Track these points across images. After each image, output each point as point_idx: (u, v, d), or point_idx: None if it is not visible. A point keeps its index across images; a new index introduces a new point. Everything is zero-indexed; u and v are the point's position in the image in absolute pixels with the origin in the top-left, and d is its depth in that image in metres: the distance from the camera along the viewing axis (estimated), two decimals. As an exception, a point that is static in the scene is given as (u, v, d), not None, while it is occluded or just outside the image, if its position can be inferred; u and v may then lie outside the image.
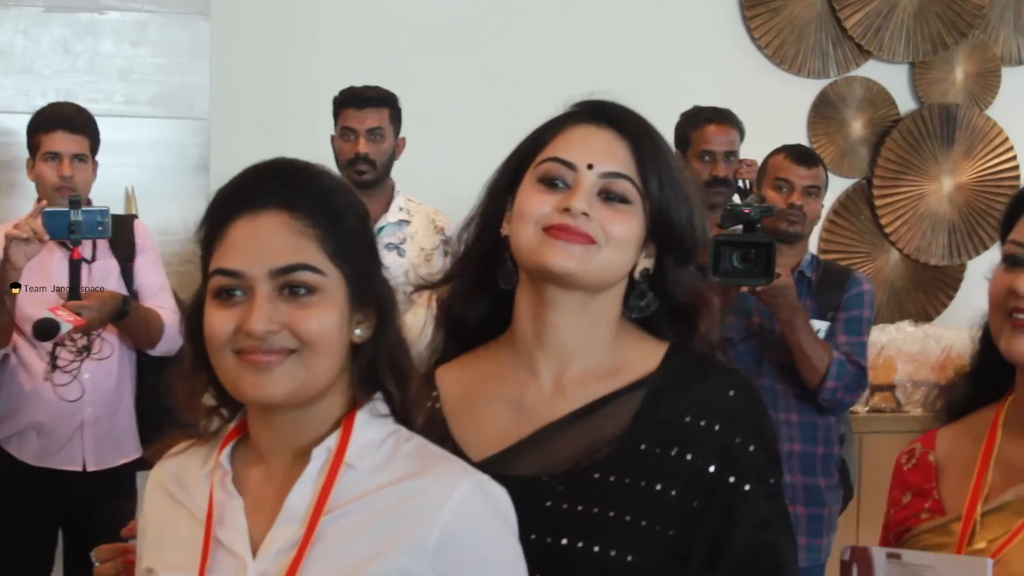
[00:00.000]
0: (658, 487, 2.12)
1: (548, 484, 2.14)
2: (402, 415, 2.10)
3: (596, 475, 2.14)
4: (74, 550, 5.05)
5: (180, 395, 2.11)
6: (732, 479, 2.14)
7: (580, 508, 2.11)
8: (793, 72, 7.57)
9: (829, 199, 7.62)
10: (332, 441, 2.03)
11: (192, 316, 2.06)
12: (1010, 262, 2.37)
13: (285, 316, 1.96)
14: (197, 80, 6.01)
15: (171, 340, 4.97)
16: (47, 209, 4.66)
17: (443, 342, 2.38)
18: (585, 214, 2.14)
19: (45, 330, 4.56)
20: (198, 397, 2.11)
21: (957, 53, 7.81)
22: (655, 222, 2.21)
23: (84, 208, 4.71)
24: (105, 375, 4.93)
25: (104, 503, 4.86)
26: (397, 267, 5.26)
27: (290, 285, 1.97)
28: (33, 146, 5.03)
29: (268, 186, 2.02)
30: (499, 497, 2.03)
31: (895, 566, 2.35)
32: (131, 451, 5.03)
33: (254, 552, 2.01)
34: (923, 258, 7.77)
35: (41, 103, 5.28)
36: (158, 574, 2.06)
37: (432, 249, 5.62)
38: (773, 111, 7.26)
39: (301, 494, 2.01)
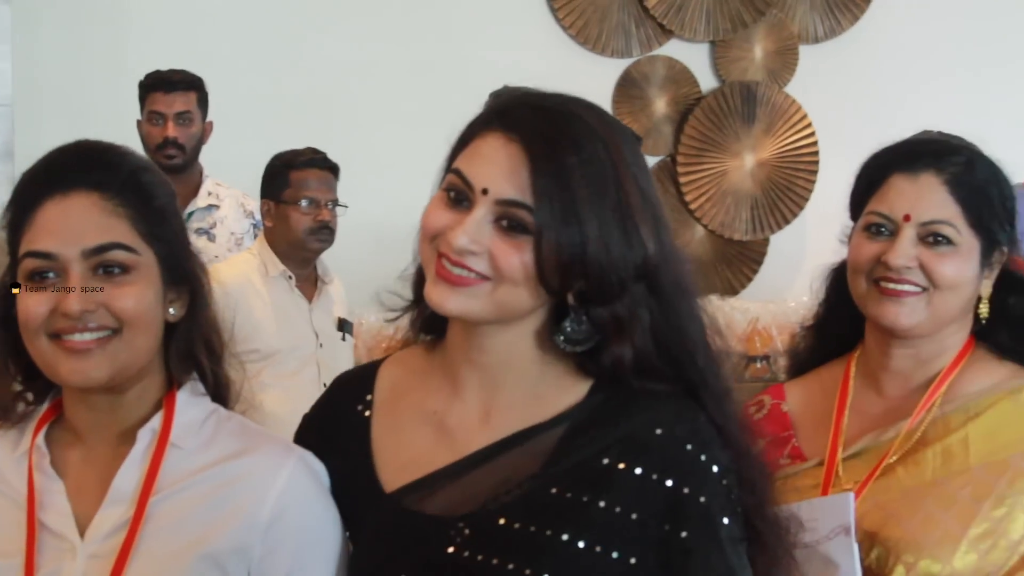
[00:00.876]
0: (564, 537, 1.94)
1: (453, 526, 1.99)
2: (216, 393, 2.13)
3: (501, 520, 1.97)
4: None
5: None
6: (667, 527, 1.95)
7: (480, 557, 1.95)
8: (597, 52, 7.65)
9: (635, 177, 7.74)
10: (156, 422, 2.04)
11: (2, 301, 2.04)
12: (874, 231, 2.52)
13: (101, 295, 1.96)
14: (-1, 65, 5.91)
15: None
16: None
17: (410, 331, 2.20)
18: (470, 251, 1.94)
19: None
20: (6, 382, 2.10)
21: (756, 31, 7.95)
22: (548, 254, 1.94)
23: None
24: None
25: None
26: (208, 252, 5.24)
27: (104, 265, 1.97)
28: None
29: (76, 167, 2.01)
30: (319, 469, 2.07)
31: None
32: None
33: (81, 535, 2.00)
34: (727, 233, 7.91)
35: None
36: None
37: (243, 233, 5.62)
38: (578, 91, 7.26)
39: (127, 475, 2.01)
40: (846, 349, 2.68)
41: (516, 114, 2.00)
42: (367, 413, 2.15)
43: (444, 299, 1.96)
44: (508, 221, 1.95)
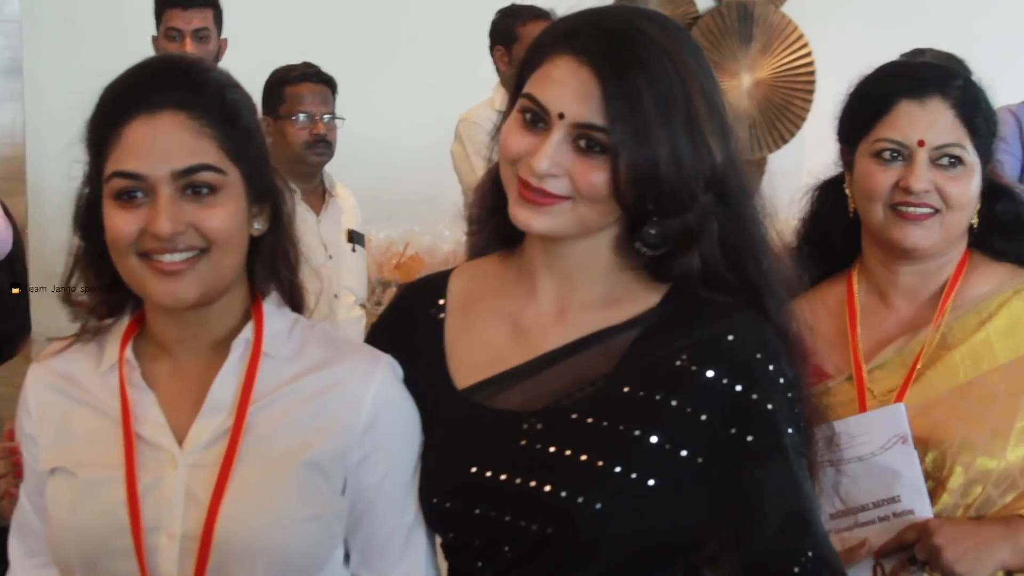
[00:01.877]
0: (636, 432, 2.00)
1: (526, 421, 2.05)
2: (293, 303, 2.17)
3: (573, 415, 2.03)
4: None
5: (65, 289, 2.12)
6: (733, 431, 2.01)
7: (552, 449, 2.01)
8: (593, -28, 7.66)
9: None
10: (248, 332, 2.07)
11: (86, 214, 2.06)
12: (888, 157, 2.59)
13: (190, 216, 1.97)
14: (6, -18, 5.94)
15: (1, 243, 5.01)
16: None
17: (474, 246, 2.31)
18: (551, 174, 2.00)
19: None
20: (94, 293, 2.12)
21: (754, -49, 7.97)
22: (624, 173, 1.99)
23: None
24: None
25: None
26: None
27: (192, 185, 1.98)
28: None
29: (163, 85, 2.01)
30: (400, 373, 2.13)
31: None
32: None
33: (179, 445, 2.03)
34: (724, 152, 7.93)
35: None
36: (74, 473, 2.05)
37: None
38: (570, 9, 7.29)
39: (224, 385, 2.05)
40: (842, 266, 2.76)
41: (584, 37, 2.02)
42: (440, 316, 2.22)
43: (530, 219, 2.03)
44: (586, 141, 2.00)
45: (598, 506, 1.97)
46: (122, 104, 2.01)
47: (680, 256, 2.06)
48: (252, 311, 2.11)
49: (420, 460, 2.12)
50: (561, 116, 2.00)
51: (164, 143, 1.98)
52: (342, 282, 5.29)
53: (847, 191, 2.69)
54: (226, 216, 2.01)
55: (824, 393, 2.47)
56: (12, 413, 2.22)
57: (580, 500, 1.97)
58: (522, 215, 2.04)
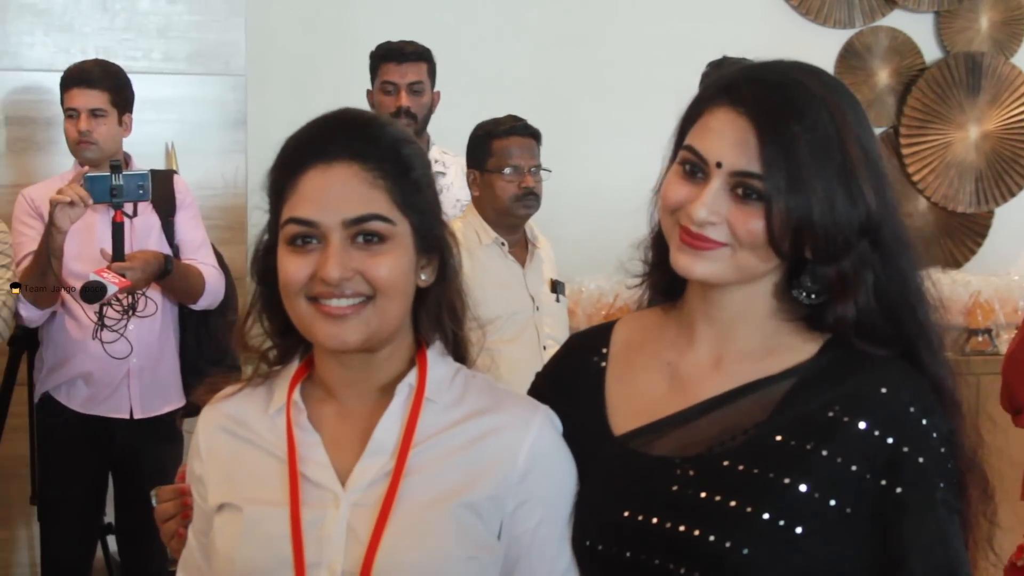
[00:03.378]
0: (786, 481, 2.02)
1: (679, 467, 2.10)
2: (457, 354, 2.23)
3: (725, 462, 2.07)
4: (124, 493, 5.21)
5: (240, 334, 2.22)
6: (883, 482, 2.02)
7: (703, 495, 2.06)
8: (819, 22, 7.62)
9: (856, 148, 7.70)
10: (412, 377, 2.13)
11: (263, 260, 2.15)
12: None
13: (358, 263, 2.05)
14: (233, 37, 6.10)
15: (212, 295, 5.15)
16: (89, 174, 4.78)
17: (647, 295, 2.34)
18: (709, 222, 2.06)
19: (93, 293, 4.67)
20: (264, 336, 2.20)
21: (982, 2, 7.86)
22: (778, 218, 2.03)
23: (125, 172, 4.82)
24: (149, 328, 5.05)
25: (151, 448, 5.02)
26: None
27: (363, 233, 2.05)
28: (61, 105, 5.14)
29: (340, 137, 2.08)
30: (558, 424, 2.18)
31: None
32: (175, 399, 5.19)
33: (342, 484, 2.10)
34: (951, 206, 7.83)
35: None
36: (241, 508, 2.12)
37: (468, 200, 5.72)
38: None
39: (387, 428, 2.11)
40: None
41: (741, 88, 2.07)
42: (603, 364, 2.29)
43: (691, 264, 2.09)
44: (743, 189, 2.05)
45: (745, 551, 2.00)
46: (300, 154, 2.09)
47: (836, 304, 2.10)
48: (416, 359, 2.17)
49: (575, 506, 2.16)
50: (719, 165, 2.06)
51: (338, 192, 2.06)
52: (546, 332, 5.29)
53: None
54: (393, 265, 2.07)
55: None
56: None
57: (728, 545, 2.01)
58: (683, 261, 2.10)
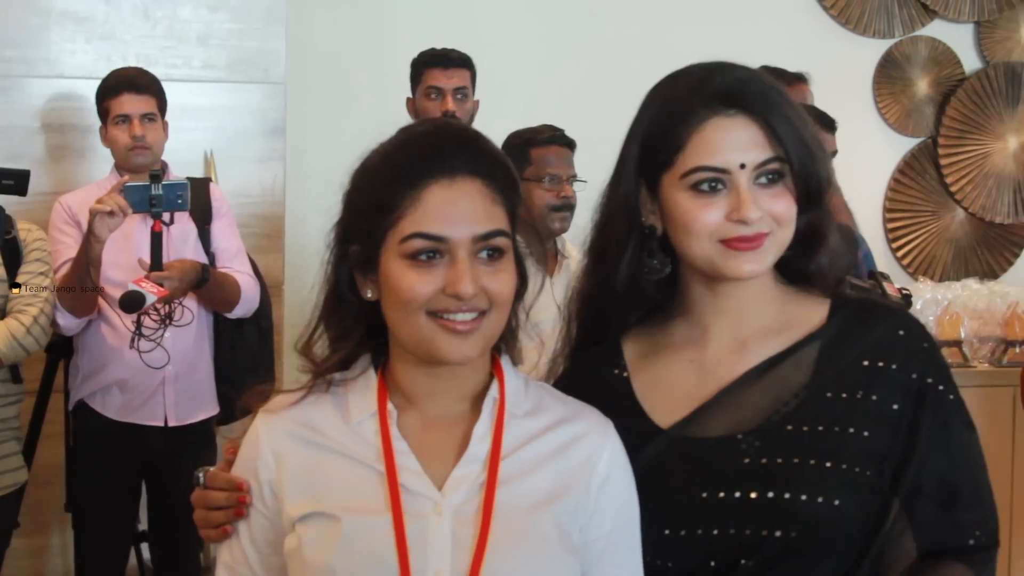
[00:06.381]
0: (851, 430, 2.17)
1: (744, 441, 2.20)
2: (514, 363, 2.27)
3: (789, 427, 2.19)
4: (158, 501, 5.24)
5: (308, 343, 2.22)
6: (915, 413, 2.18)
7: (779, 460, 2.16)
8: (858, 32, 7.62)
9: (895, 159, 7.69)
10: (495, 390, 2.18)
11: (351, 271, 2.16)
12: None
13: (482, 278, 2.08)
14: (273, 45, 6.13)
15: (248, 303, 5.18)
16: (129, 184, 4.80)
17: (584, 327, 2.44)
18: (758, 218, 2.17)
19: (131, 302, 4.70)
20: (347, 343, 2.21)
21: (1022, 12, 7.84)
22: (800, 184, 2.21)
23: (164, 182, 4.85)
24: (184, 336, 5.07)
25: (185, 456, 4.98)
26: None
27: (488, 249, 2.08)
28: (103, 112, 5.16)
29: (459, 151, 2.11)
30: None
31: None
32: (210, 407, 5.22)
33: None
34: (988, 216, 7.82)
35: (123, 68, 5.43)
36: (337, 517, 2.10)
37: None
38: (839, 71, 7.32)
39: (479, 438, 2.14)
40: None
41: (723, 96, 2.19)
42: (625, 374, 2.35)
43: (753, 265, 2.21)
44: (766, 177, 2.19)
45: (837, 503, 2.13)
46: (420, 167, 2.10)
47: (814, 255, 2.28)
48: (493, 369, 2.21)
49: (646, 503, 2.21)
50: (742, 166, 2.17)
51: (466, 207, 2.08)
52: None
53: None
54: (509, 279, 2.12)
55: None
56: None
57: (820, 500, 2.13)
58: (746, 267, 2.20)
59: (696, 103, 2.20)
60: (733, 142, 2.18)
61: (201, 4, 6.07)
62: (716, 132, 2.18)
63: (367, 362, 2.22)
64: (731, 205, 2.17)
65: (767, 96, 2.20)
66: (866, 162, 7.45)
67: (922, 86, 7.72)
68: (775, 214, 2.18)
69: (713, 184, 2.18)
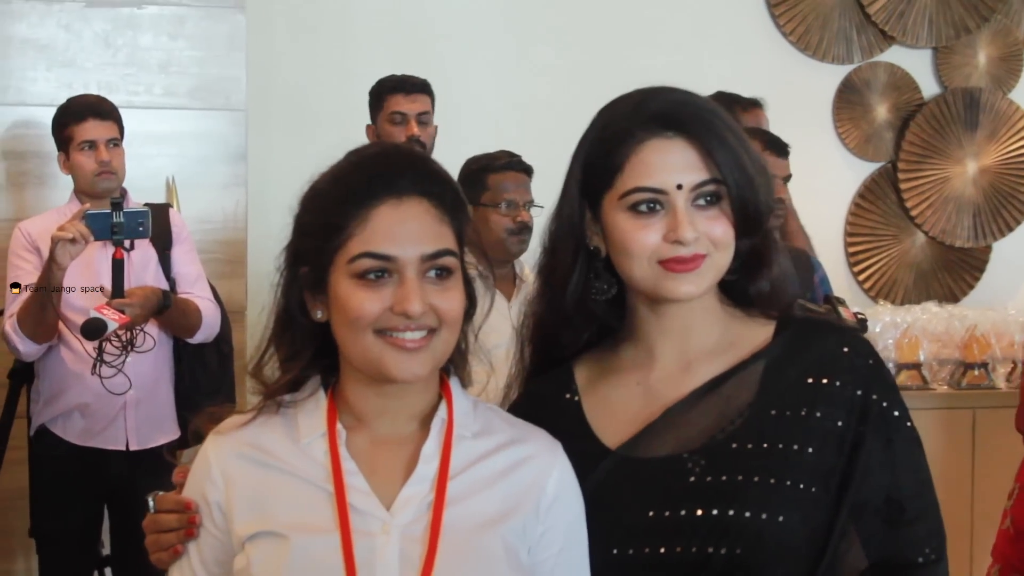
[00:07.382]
0: (795, 447, 2.18)
1: (689, 460, 2.21)
2: (463, 383, 2.29)
3: (733, 445, 2.20)
4: (120, 525, 5.23)
5: (258, 365, 2.23)
6: (859, 429, 2.19)
7: (724, 478, 2.17)
8: (818, 58, 7.67)
9: (855, 183, 7.74)
10: (443, 411, 2.19)
11: (300, 292, 2.17)
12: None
13: (431, 297, 2.10)
14: (234, 72, 6.16)
15: (209, 328, 5.20)
16: (90, 212, 4.81)
17: (537, 349, 2.45)
18: (694, 240, 2.18)
19: (93, 329, 4.70)
20: (297, 364, 2.22)
21: (980, 37, 7.90)
22: (738, 208, 2.21)
23: (125, 210, 4.87)
24: (145, 360, 5.06)
25: (148, 480, 4.90)
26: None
27: (436, 268, 2.11)
28: (65, 139, 5.18)
29: (407, 172, 2.13)
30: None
31: None
32: (171, 431, 5.22)
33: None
34: (949, 240, 7.86)
35: (85, 96, 5.44)
36: (285, 536, 2.11)
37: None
38: (798, 97, 7.39)
39: (427, 459, 2.15)
40: None
41: (660, 119, 2.21)
42: (576, 398, 2.36)
43: (689, 287, 2.22)
44: (704, 199, 2.20)
45: (781, 519, 2.14)
46: (368, 188, 2.12)
47: (756, 279, 2.30)
48: (442, 390, 2.23)
49: (594, 523, 2.22)
50: (679, 187, 2.19)
51: (413, 227, 2.11)
52: None
53: None
54: (457, 298, 2.14)
55: None
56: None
57: (764, 517, 2.14)
58: (683, 288, 2.21)
59: (635, 125, 2.21)
60: (670, 163, 2.19)
61: (162, 32, 6.09)
62: (653, 154, 2.20)
63: (317, 383, 2.23)
64: (668, 226, 2.18)
65: (704, 119, 2.21)
66: (826, 187, 7.49)
67: (881, 111, 7.77)
68: (712, 237, 2.20)
69: (651, 205, 2.19)
